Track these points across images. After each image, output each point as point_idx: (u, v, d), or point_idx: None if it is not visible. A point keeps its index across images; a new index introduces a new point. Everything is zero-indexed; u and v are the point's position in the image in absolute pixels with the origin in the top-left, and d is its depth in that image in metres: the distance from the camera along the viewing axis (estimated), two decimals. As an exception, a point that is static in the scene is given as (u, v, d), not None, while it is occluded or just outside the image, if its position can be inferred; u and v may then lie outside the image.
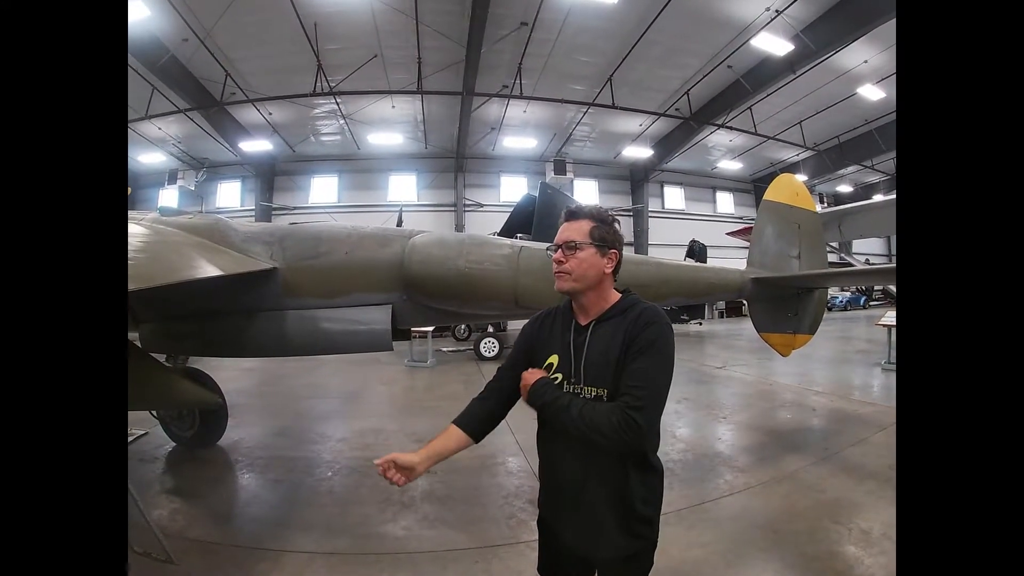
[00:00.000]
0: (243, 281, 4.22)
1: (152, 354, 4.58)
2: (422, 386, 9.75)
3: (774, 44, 13.90)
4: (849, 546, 3.52)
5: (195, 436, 5.66)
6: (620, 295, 1.85)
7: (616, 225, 1.86)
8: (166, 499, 4.42)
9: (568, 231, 1.81)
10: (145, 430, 6.08)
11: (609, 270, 1.81)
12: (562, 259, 1.79)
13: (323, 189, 23.16)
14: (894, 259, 30.96)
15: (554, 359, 1.83)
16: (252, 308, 4.46)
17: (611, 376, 1.69)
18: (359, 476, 4.90)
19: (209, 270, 3.77)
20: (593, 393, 1.71)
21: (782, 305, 5.49)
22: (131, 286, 2.85)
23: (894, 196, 15.63)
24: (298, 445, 5.98)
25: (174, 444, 5.72)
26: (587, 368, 1.74)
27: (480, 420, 1.93)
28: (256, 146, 19.72)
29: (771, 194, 5.79)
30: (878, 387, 8.93)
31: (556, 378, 1.80)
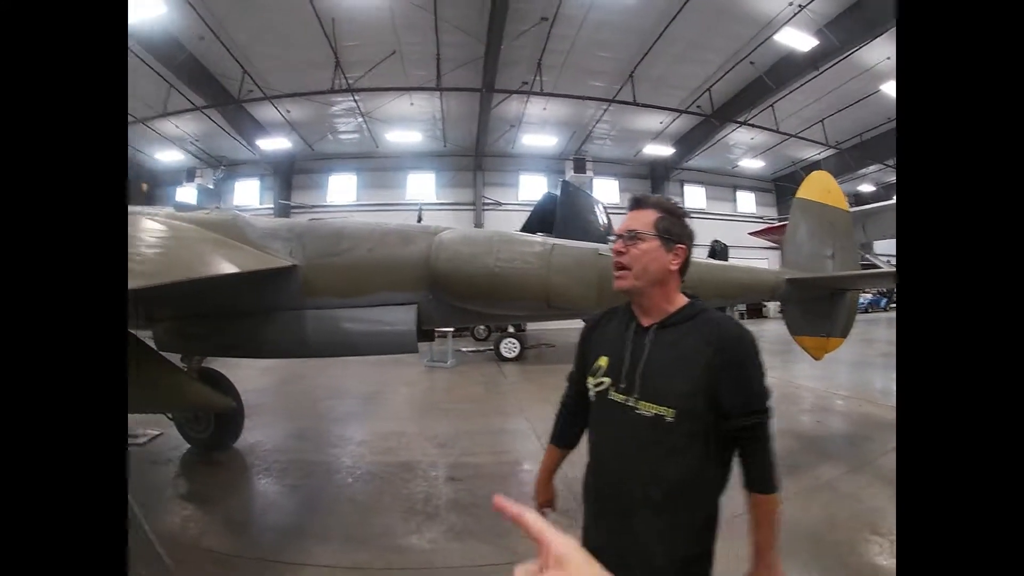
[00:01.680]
0: (260, 279, 4.06)
1: (166, 354, 4.43)
2: (442, 387, 9.60)
3: (797, 39, 13.56)
4: (892, 559, 3.35)
5: (210, 438, 5.52)
6: (687, 300, 1.65)
7: (686, 219, 1.67)
8: (179, 505, 4.29)
9: (631, 220, 1.63)
10: (160, 431, 5.96)
11: (675, 267, 1.60)
12: (622, 249, 1.60)
13: (342, 187, 23.13)
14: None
15: (603, 361, 1.64)
16: (270, 307, 4.29)
17: (679, 395, 1.48)
18: (380, 482, 4.74)
19: (223, 267, 3.65)
20: (651, 412, 1.50)
21: (816, 307, 5.26)
22: (141, 283, 2.72)
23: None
24: (317, 448, 5.83)
25: (189, 446, 5.59)
26: (645, 378, 1.53)
27: (571, 432, 1.93)
28: (274, 144, 19.72)
29: (804, 192, 5.58)
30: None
31: (602, 383, 1.61)
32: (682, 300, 1.64)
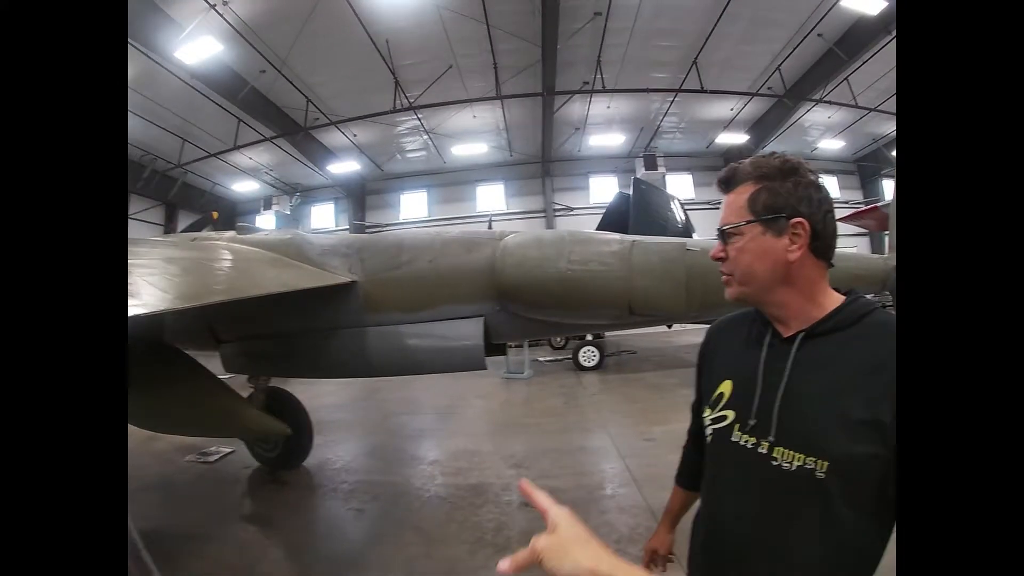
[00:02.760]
0: (319, 297, 3.90)
1: (230, 374, 4.46)
2: (519, 400, 9.27)
3: (866, 2, 12.34)
4: None
5: (279, 457, 5.49)
6: (844, 296, 1.17)
7: (799, 177, 1.15)
8: (240, 527, 4.22)
9: (724, 209, 1.19)
10: (232, 448, 6.02)
11: (797, 254, 1.12)
12: (720, 254, 1.18)
13: (413, 204, 23.45)
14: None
15: (726, 387, 1.20)
16: (331, 326, 4.12)
17: (837, 439, 1.02)
18: (449, 507, 4.47)
19: (275, 285, 3.53)
20: (794, 463, 1.05)
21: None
22: (188, 303, 2.58)
23: None
24: (387, 468, 5.66)
25: (258, 464, 5.58)
26: (785, 414, 1.08)
27: (697, 473, 1.39)
28: (344, 167, 20.16)
29: (910, 160, 4.93)
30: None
31: (724, 418, 1.18)
32: (836, 298, 1.17)
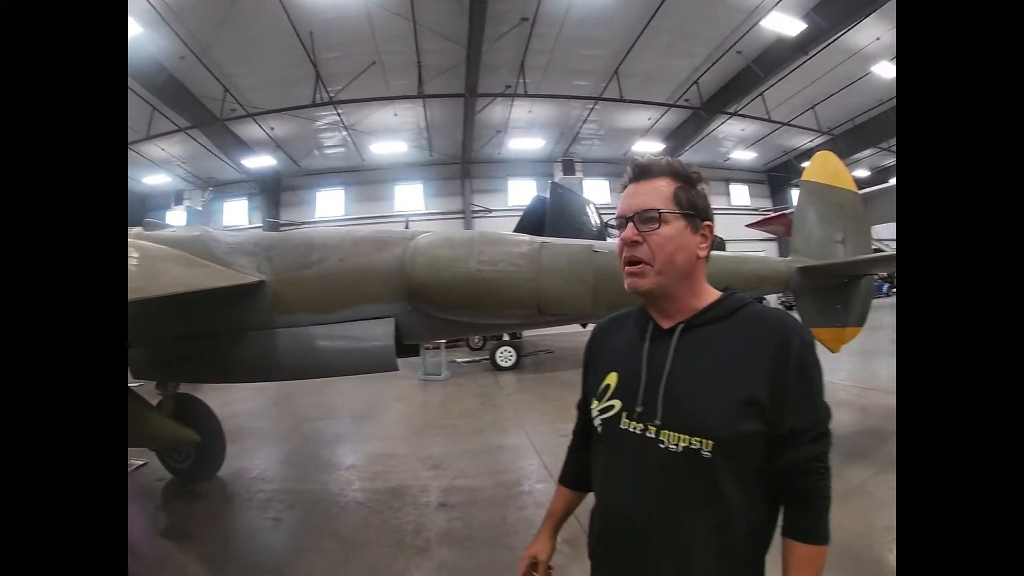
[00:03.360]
0: (227, 297, 3.73)
1: (138, 381, 4.25)
2: (436, 402, 9.20)
3: (785, 24, 13.19)
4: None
5: (191, 467, 5.19)
6: (721, 292, 1.25)
7: (703, 186, 1.25)
8: (156, 542, 3.98)
9: (641, 196, 1.21)
10: (144, 460, 5.65)
11: (704, 253, 1.21)
12: (636, 237, 1.18)
13: (330, 202, 22.82)
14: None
15: (612, 379, 1.24)
16: (240, 327, 3.94)
17: (721, 419, 1.09)
18: (367, 512, 4.38)
19: (182, 285, 3.37)
20: (681, 444, 1.11)
21: (830, 296, 4.97)
22: None
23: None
24: (303, 475, 5.47)
25: (171, 476, 5.27)
26: (669, 399, 1.13)
27: (584, 472, 1.41)
28: (260, 162, 19.36)
29: (810, 174, 5.30)
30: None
31: (611, 408, 1.22)
32: (713, 293, 1.24)
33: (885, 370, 9.50)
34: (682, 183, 1.22)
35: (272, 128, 17.65)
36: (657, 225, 1.18)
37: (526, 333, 13.70)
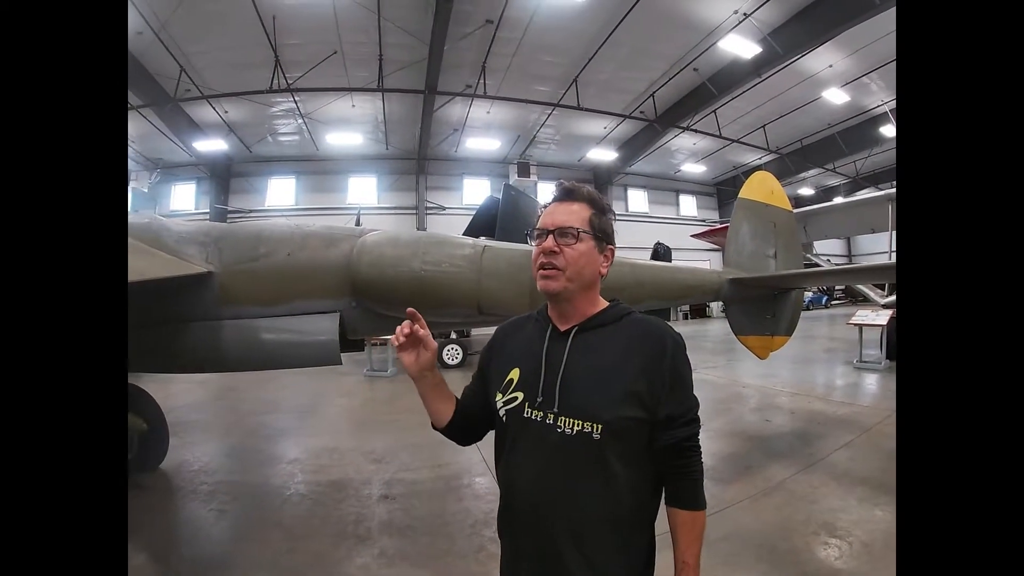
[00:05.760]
0: (175, 287, 3.70)
1: None
2: (382, 398, 9.25)
3: (741, 47, 13.81)
4: (852, 561, 3.30)
5: (135, 459, 5.05)
6: (609, 302, 1.48)
7: (611, 216, 1.50)
8: None
9: (564, 214, 1.42)
10: None
11: (605, 271, 1.45)
12: (555, 248, 1.38)
13: (281, 191, 22.30)
14: (855, 260, 31.64)
15: (515, 374, 1.43)
16: (187, 318, 3.91)
17: (607, 406, 1.30)
18: (311, 504, 4.45)
19: (130, 274, 3.34)
20: (575, 428, 1.30)
21: (760, 306, 5.27)
22: None
23: (856, 198, 15.81)
24: (247, 468, 5.47)
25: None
26: (565, 390, 1.33)
27: (463, 418, 1.59)
28: (211, 145, 18.81)
29: (746, 192, 5.58)
30: (854, 387, 8.85)
31: (514, 399, 1.40)
32: (603, 303, 1.47)
33: (817, 377, 10.01)
34: (596, 211, 1.45)
35: (226, 111, 17.23)
36: (574, 241, 1.39)
37: (475, 331, 13.78)
